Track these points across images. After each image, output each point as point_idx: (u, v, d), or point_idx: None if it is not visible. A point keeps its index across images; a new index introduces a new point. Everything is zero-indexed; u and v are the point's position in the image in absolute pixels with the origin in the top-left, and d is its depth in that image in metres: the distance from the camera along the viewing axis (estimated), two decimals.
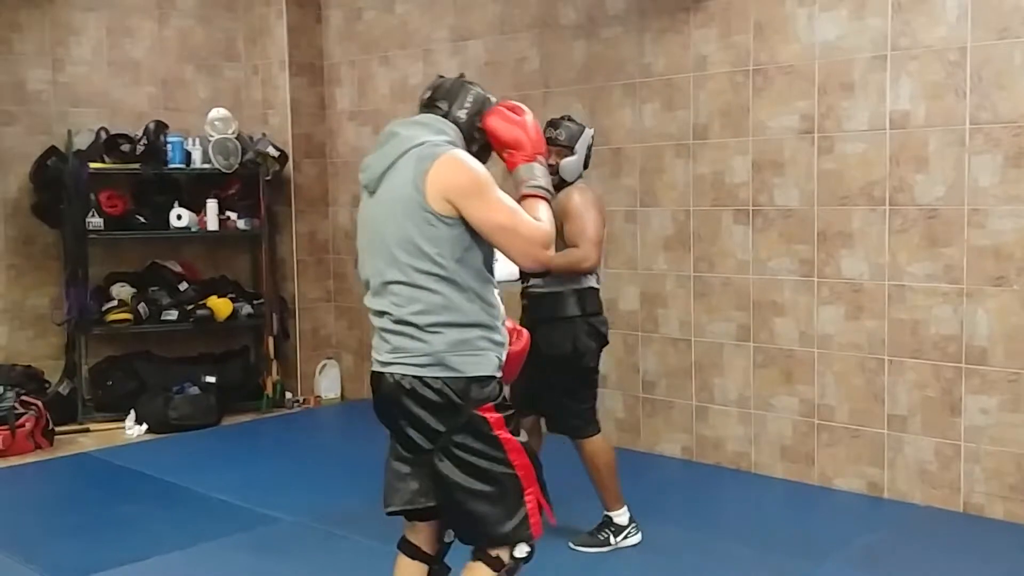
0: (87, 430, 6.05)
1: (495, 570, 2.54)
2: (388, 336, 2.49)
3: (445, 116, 2.56)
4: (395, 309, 2.46)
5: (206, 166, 6.45)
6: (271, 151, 6.52)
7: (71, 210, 6.11)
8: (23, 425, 5.58)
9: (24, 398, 5.76)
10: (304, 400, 6.82)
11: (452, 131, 2.55)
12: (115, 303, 6.32)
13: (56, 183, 6.15)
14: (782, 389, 4.84)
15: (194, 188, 6.63)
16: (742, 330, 4.95)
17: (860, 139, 4.51)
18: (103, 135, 6.24)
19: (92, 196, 6.18)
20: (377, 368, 2.54)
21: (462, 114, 2.57)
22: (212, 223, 6.49)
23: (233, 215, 6.59)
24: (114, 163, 6.23)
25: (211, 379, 6.35)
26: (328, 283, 7.04)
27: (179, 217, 6.38)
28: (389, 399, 2.50)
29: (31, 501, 4.93)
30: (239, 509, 4.54)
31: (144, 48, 6.70)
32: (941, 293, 4.32)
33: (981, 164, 4.18)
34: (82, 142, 6.22)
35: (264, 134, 6.67)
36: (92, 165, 6.15)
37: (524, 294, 3.93)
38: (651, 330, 5.31)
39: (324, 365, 6.96)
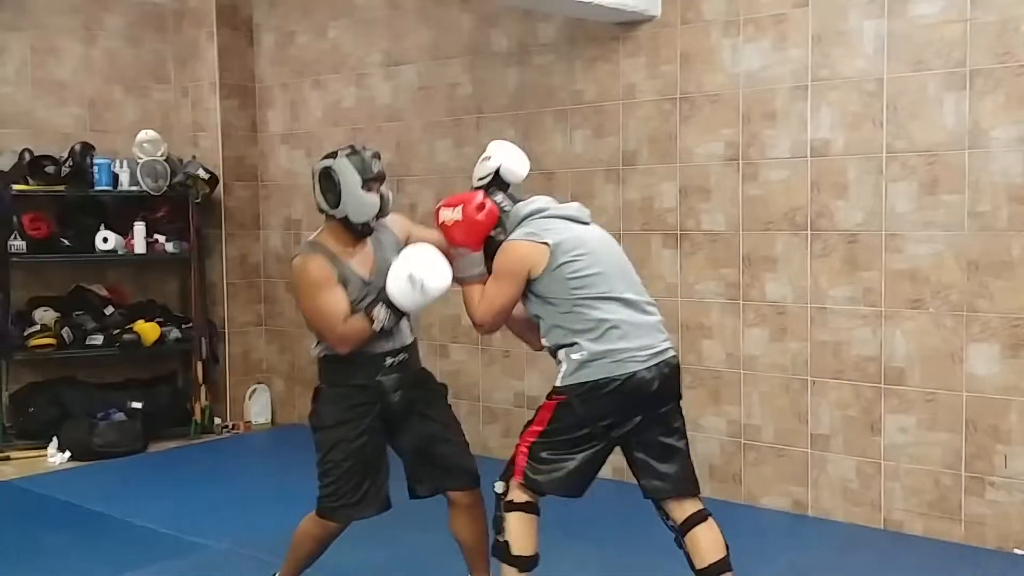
0: (8, 458, 5.88)
1: None
2: (661, 326, 3.19)
3: None
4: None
5: (134, 188, 6.36)
6: (201, 173, 6.46)
7: None
8: None
9: None
10: (234, 426, 6.73)
11: None
12: (38, 328, 6.17)
13: None
14: (710, 409, 4.93)
15: (121, 211, 6.52)
16: None
17: (783, 166, 4.64)
18: (27, 156, 6.11)
19: (15, 218, 6.05)
20: (657, 359, 3.10)
21: None
22: (140, 246, 6.39)
23: (162, 238, 6.50)
24: (38, 185, 6.12)
25: (138, 405, 6.23)
26: (259, 307, 6.97)
27: (105, 240, 6.27)
28: (672, 378, 3.15)
29: None
30: (166, 537, 4.47)
31: (70, 69, 6.59)
32: (861, 316, 4.46)
33: (898, 191, 4.34)
34: (5, 163, 6.08)
35: (194, 156, 6.61)
36: (15, 187, 6.03)
37: (403, 349, 3.33)
38: None
39: (254, 390, 6.88)
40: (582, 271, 3.07)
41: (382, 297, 3.12)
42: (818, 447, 4.60)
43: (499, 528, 3.16)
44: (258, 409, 6.88)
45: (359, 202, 3.13)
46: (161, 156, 6.43)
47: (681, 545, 3.19)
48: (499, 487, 3.18)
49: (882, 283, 4.39)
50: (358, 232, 3.20)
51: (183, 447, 6.28)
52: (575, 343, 3.07)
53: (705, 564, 3.12)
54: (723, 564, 3.13)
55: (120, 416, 6.10)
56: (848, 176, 4.46)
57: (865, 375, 4.46)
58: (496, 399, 5.79)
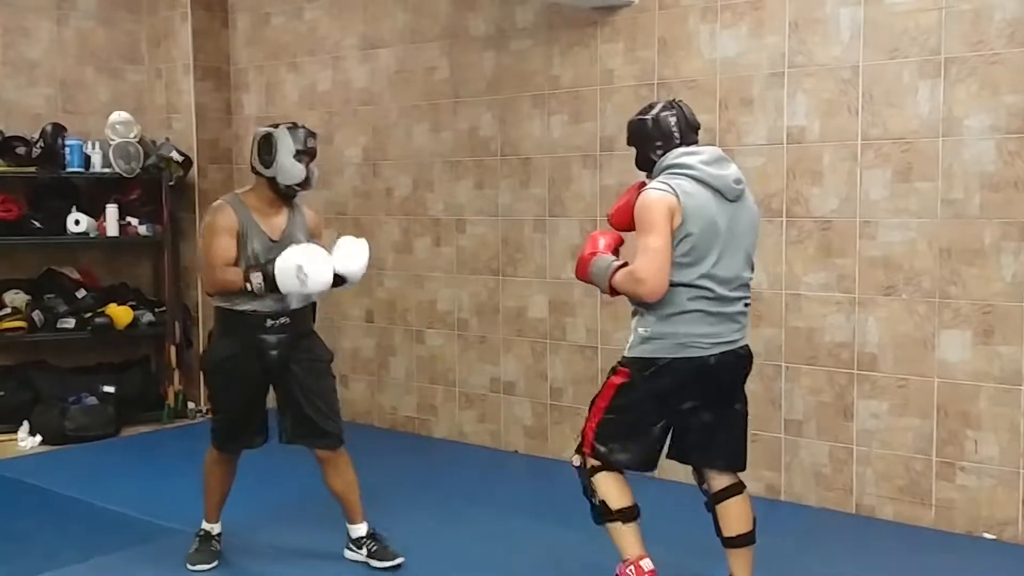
0: None
1: None
2: (741, 318, 3.22)
3: None
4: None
5: (106, 170, 6.29)
6: (175, 156, 6.40)
7: None
8: None
9: None
10: (207, 410, 6.69)
11: None
12: (8, 311, 6.11)
13: None
14: None
15: (93, 193, 6.45)
16: None
17: (759, 153, 4.65)
18: None
19: None
20: (723, 348, 3.15)
21: None
22: (112, 229, 6.32)
23: (134, 221, 6.43)
24: (8, 166, 6.04)
25: (110, 389, 6.17)
26: None
27: (77, 222, 6.20)
28: (736, 365, 3.22)
29: None
30: (137, 521, 4.44)
31: (41, 48, 6.50)
32: (835, 302, 4.49)
33: (872, 178, 4.36)
34: None
35: (168, 139, 6.54)
36: None
37: (286, 314, 3.73)
38: (559, 338, 5.38)
39: None
40: (684, 254, 3.07)
41: (266, 268, 3.53)
42: (791, 432, 4.64)
43: (591, 493, 3.33)
44: None
45: (289, 168, 3.65)
46: (134, 138, 6.36)
47: (711, 510, 3.40)
48: (576, 460, 3.36)
49: (856, 269, 4.42)
50: (282, 194, 3.71)
51: (155, 432, 6.24)
52: (645, 315, 3.15)
53: (732, 534, 3.36)
54: (748, 537, 3.36)
55: (92, 400, 6.05)
56: (823, 163, 4.48)
57: (838, 361, 4.49)
58: (472, 384, 5.78)
